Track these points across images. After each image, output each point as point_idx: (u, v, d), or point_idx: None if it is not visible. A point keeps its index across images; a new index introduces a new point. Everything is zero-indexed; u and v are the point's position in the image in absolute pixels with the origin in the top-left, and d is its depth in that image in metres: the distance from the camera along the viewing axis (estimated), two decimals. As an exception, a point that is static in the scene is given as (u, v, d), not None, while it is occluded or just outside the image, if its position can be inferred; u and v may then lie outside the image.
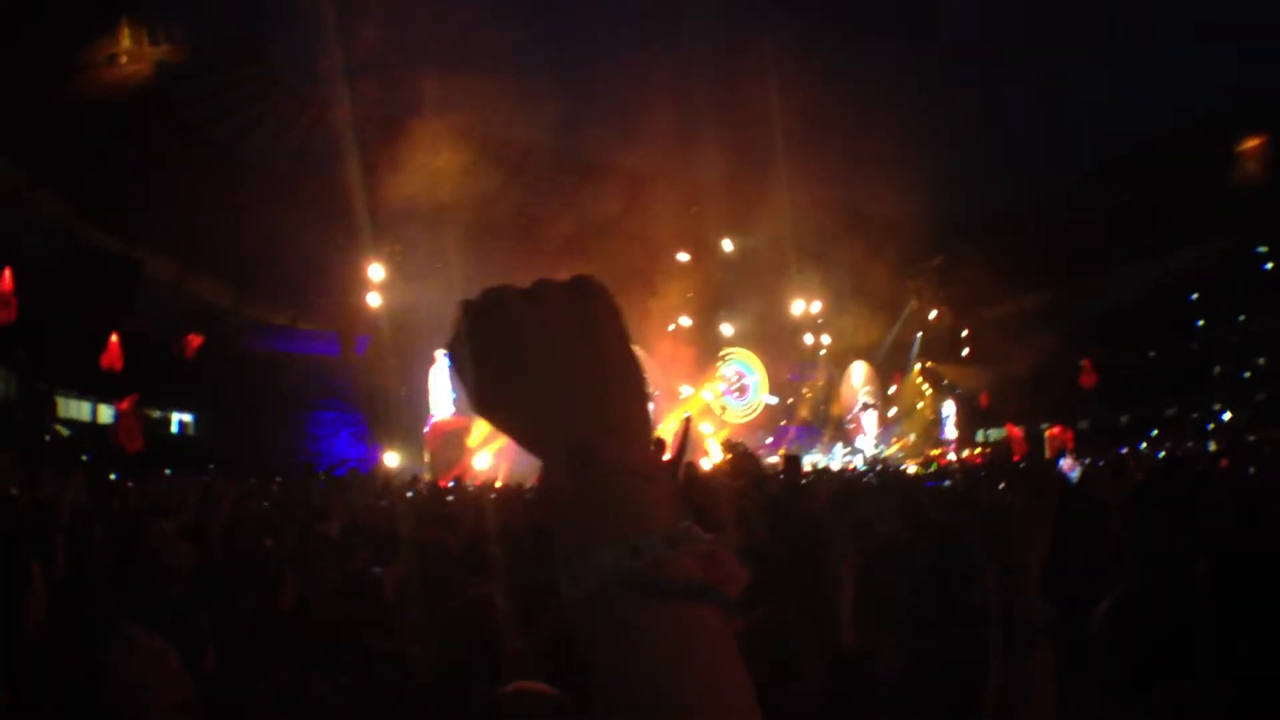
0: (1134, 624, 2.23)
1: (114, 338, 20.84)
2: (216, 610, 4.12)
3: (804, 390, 32.71)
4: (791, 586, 3.27)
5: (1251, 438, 21.33)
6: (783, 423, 31.63)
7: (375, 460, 25.04)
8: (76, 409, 26.11)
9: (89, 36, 23.07)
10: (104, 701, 2.55)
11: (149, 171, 25.06)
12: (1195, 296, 33.34)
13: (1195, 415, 30.78)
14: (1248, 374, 32.66)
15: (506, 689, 2.59)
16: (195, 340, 25.46)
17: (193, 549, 5.03)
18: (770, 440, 29.81)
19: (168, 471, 17.93)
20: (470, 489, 13.21)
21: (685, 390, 28.70)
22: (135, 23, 23.63)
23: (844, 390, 33.33)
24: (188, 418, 29.00)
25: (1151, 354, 34.03)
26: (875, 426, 32.51)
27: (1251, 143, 31.09)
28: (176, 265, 29.28)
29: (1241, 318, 33.10)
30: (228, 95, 27.49)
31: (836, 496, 6.76)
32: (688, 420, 5.35)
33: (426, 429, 24.68)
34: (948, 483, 12.08)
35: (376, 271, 25.14)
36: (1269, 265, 34.08)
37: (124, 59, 24.03)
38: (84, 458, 20.65)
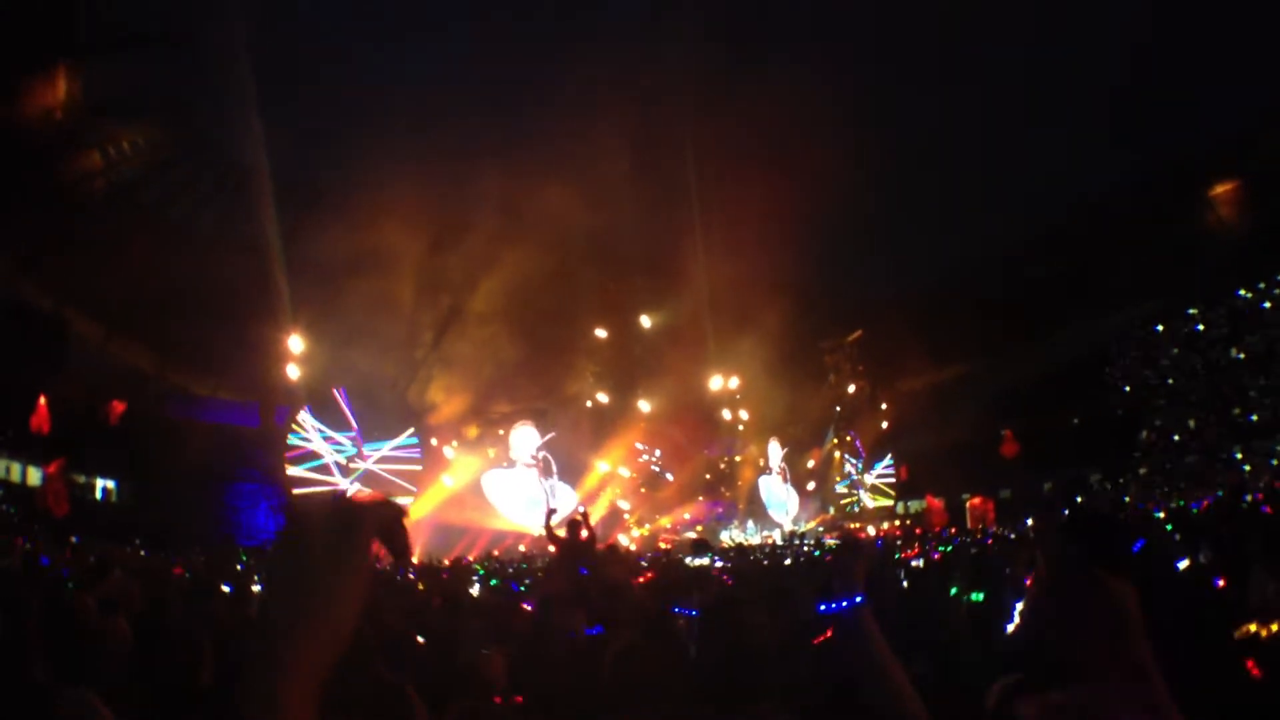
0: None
1: (42, 400, 22.08)
2: (142, 685, 4.28)
3: (721, 465, 34.36)
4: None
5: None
6: (700, 498, 33.21)
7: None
8: (4, 469, 26.55)
9: (20, 90, 24.31)
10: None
11: (77, 230, 26.33)
12: (1119, 361, 35.11)
13: (1121, 480, 32.57)
14: (1177, 436, 34.52)
15: None
16: (119, 406, 26.71)
17: (126, 624, 5.33)
18: (688, 516, 31.44)
19: (73, 540, 18.38)
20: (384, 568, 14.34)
21: (603, 466, 30.24)
22: (71, 76, 25.06)
23: (760, 465, 34.90)
24: (110, 484, 29.63)
25: (1075, 420, 35.80)
26: (792, 500, 34.19)
27: (1184, 205, 33.12)
28: (102, 328, 30.42)
29: (1170, 380, 34.97)
30: (157, 159, 28.88)
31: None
32: (585, 515, 7.41)
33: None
34: None
35: (296, 343, 26.23)
36: (1200, 327, 36.09)
37: (59, 113, 25.39)
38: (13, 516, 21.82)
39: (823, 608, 2.30)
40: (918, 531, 25.93)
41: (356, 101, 27.49)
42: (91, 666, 4.41)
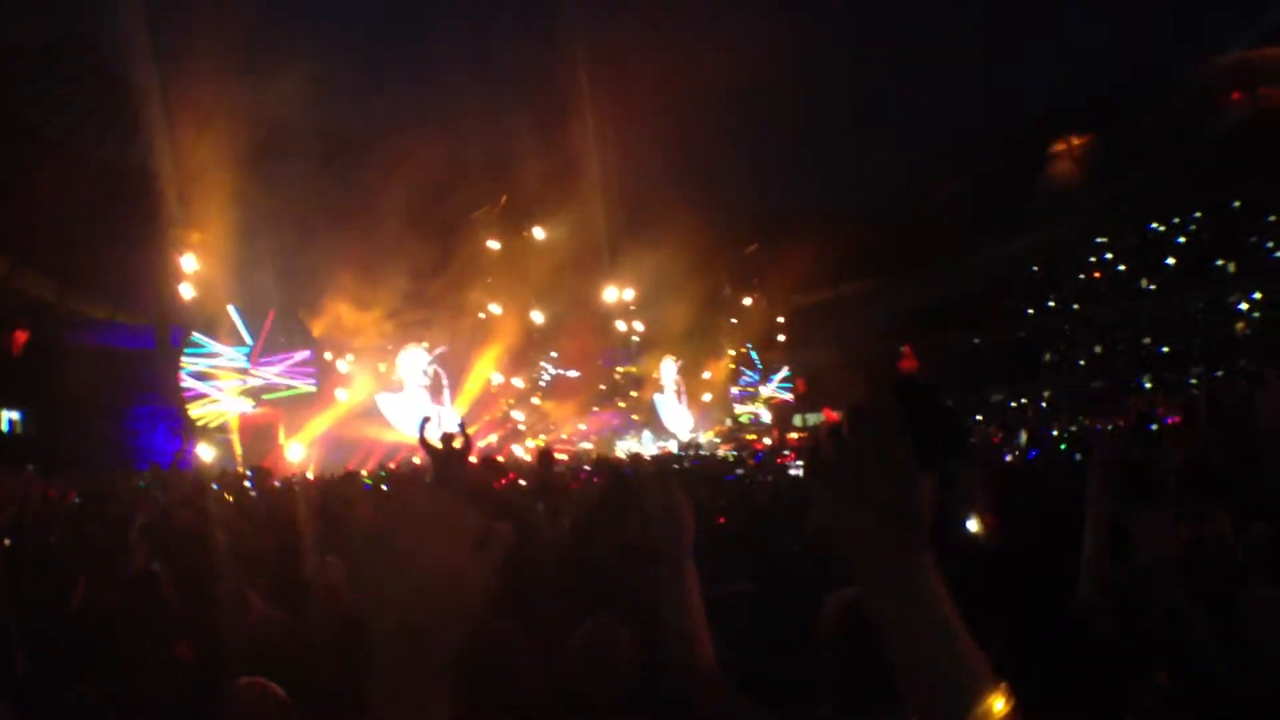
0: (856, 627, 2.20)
1: (-50, 339, 22.47)
2: (12, 609, 4.46)
3: (617, 376, 34.92)
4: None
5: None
6: (595, 409, 33.76)
7: (191, 454, 26.80)
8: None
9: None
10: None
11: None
12: (1024, 286, 36.07)
13: (1023, 400, 33.49)
14: (1083, 361, 35.51)
15: (239, 683, 2.88)
16: (22, 336, 27.06)
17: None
18: (583, 427, 32.04)
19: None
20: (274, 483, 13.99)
21: (496, 378, 30.70)
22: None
23: (656, 376, 35.43)
24: (15, 415, 30.16)
25: (976, 340, 36.69)
26: (687, 412, 34.82)
27: (1079, 140, 33.94)
28: (6, 260, 30.74)
29: (1075, 306, 35.89)
30: (52, 82, 29.17)
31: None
32: (462, 426, 7.79)
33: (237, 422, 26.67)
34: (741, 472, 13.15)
35: (189, 262, 26.62)
36: (1109, 255, 37.06)
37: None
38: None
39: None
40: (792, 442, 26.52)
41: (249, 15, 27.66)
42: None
